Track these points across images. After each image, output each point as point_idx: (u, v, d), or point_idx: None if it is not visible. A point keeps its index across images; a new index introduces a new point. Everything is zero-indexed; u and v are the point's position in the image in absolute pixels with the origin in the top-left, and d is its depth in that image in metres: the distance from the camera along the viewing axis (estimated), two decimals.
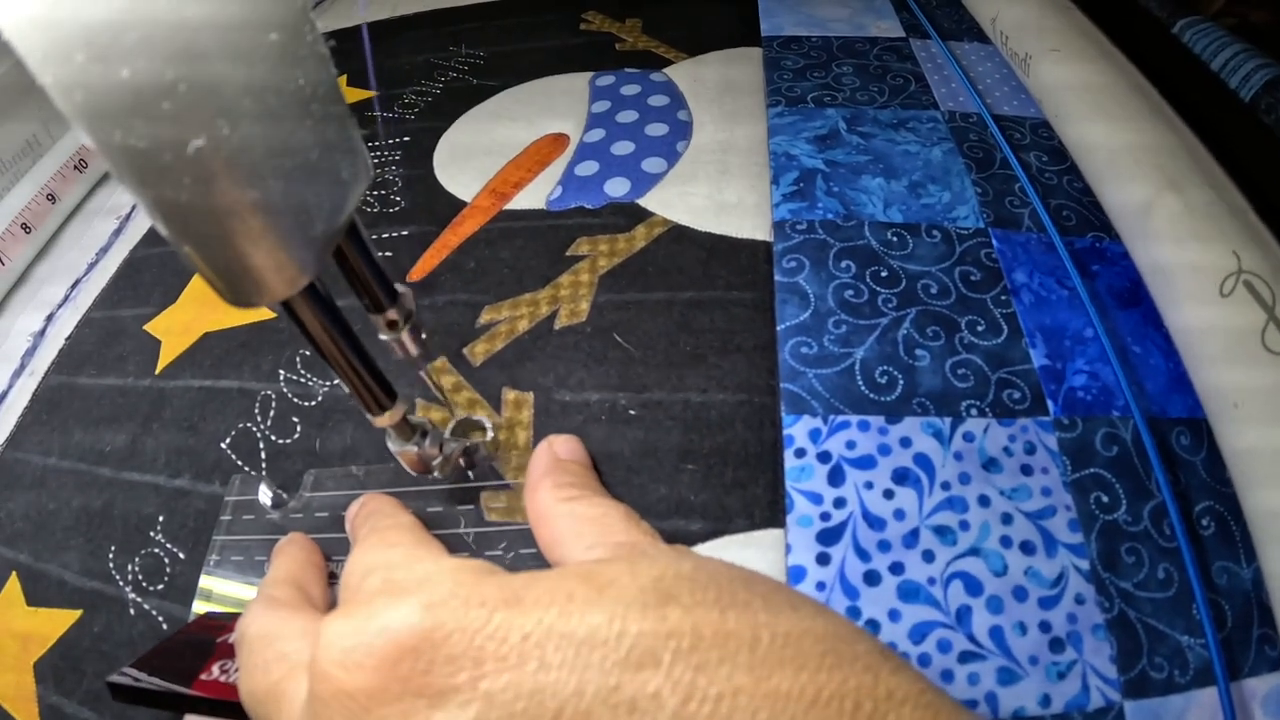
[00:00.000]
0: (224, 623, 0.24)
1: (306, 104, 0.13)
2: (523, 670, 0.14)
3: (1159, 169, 0.30)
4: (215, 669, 0.21)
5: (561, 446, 0.25)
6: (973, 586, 0.22)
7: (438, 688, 0.14)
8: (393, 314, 0.21)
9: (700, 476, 0.25)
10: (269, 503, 0.27)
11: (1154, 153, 0.30)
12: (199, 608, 0.26)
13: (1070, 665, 0.21)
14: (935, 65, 0.40)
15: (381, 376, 0.21)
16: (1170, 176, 0.29)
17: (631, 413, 0.27)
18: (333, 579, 0.25)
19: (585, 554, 0.19)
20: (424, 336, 0.22)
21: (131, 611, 0.25)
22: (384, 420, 0.22)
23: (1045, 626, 0.22)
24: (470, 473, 0.27)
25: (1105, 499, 0.24)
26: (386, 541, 0.20)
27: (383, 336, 0.22)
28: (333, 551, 0.25)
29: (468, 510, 0.26)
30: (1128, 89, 0.34)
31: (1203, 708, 0.21)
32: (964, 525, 0.23)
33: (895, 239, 0.30)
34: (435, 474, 0.25)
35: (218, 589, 0.26)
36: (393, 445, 0.24)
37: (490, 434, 0.27)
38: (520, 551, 0.25)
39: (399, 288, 0.21)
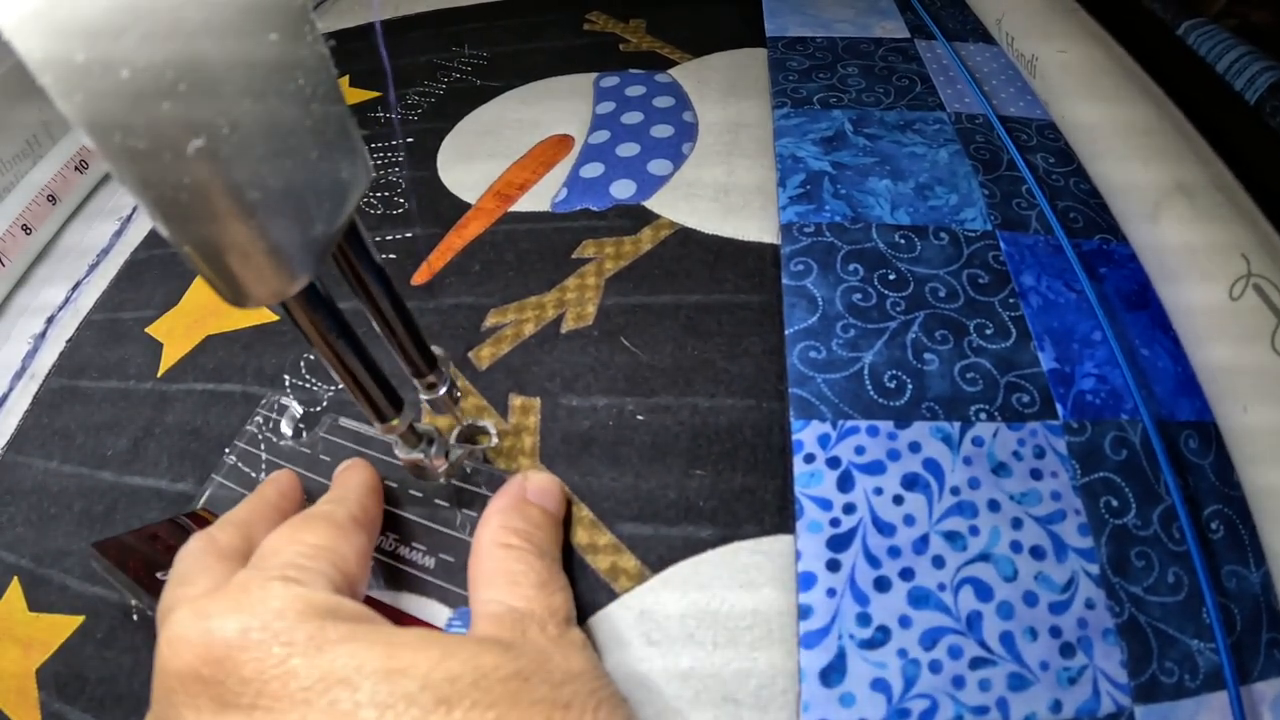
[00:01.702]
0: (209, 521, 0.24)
1: (306, 104, 0.13)
2: (287, 718, 0.15)
3: (1167, 171, 0.29)
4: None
5: (535, 486, 0.24)
6: (983, 592, 0.22)
7: (225, 699, 0.16)
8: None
9: (709, 482, 0.25)
10: (289, 431, 0.28)
11: (1161, 155, 0.30)
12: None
13: (1081, 670, 0.21)
14: (941, 66, 0.40)
15: (388, 384, 0.21)
16: (1178, 179, 0.29)
17: (639, 418, 0.27)
18: None
19: (482, 605, 0.20)
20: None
21: (135, 618, 0.25)
22: (390, 429, 0.22)
23: (1056, 631, 0.21)
24: (467, 469, 0.26)
25: (1115, 503, 0.24)
26: (296, 534, 0.20)
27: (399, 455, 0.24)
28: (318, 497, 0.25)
29: (466, 514, 0.25)
30: (1135, 91, 0.34)
31: (1213, 712, 0.21)
32: (974, 530, 0.23)
33: (903, 241, 0.30)
34: (441, 480, 0.25)
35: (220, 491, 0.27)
36: (400, 453, 0.23)
37: (495, 439, 0.27)
38: None
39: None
